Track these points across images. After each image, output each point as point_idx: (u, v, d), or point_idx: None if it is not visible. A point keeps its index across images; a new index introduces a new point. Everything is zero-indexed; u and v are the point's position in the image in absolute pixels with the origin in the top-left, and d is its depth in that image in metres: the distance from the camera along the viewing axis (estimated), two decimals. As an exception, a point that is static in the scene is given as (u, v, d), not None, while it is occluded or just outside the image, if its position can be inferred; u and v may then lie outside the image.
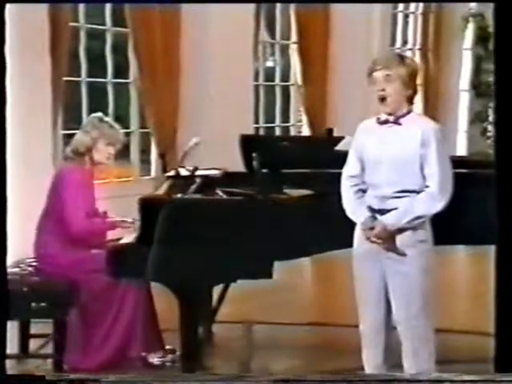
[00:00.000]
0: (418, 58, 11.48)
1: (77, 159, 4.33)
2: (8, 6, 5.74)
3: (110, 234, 4.38)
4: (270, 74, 9.75)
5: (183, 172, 4.55)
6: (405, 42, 11.60)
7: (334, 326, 5.08)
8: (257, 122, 9.20)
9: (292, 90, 9.79)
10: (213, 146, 7.23)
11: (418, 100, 11.55)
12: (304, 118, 9.55)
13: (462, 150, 11.90)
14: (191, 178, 4.46)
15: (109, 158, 4.38)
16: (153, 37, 7.65)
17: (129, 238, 4.06)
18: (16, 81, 6.27)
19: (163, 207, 3.79)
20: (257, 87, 9.20)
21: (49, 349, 4.35)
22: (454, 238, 4.00)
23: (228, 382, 3.01)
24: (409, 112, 3.46)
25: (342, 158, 3.65)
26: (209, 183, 4.46)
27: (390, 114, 3.44)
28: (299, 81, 9.50)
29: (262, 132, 9.39)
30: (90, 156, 4.33)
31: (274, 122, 9.66)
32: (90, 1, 7.22)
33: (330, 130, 4.96)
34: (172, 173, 4.47)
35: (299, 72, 9.47)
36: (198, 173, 4.56)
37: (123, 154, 8.20)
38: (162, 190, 4.28)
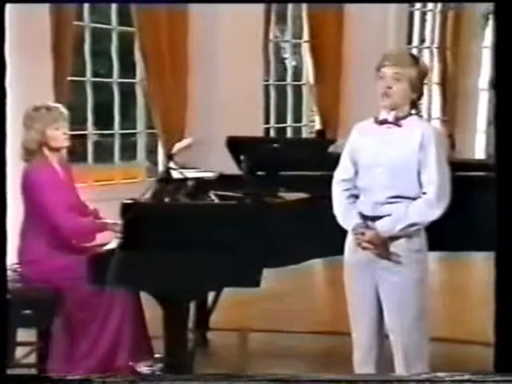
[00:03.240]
0: (435, 57, 11.26)
1: (37, 156, 4.10)
2: (8, 6, 5.69)
3: (98, 239, 4.21)
4: (281, 74, 9.58)
5: (175, 175, 4.41)
6: (422, 41, 11.36)
7: (333, 334, 4.91)
8: (267, 122, 9.03)
9: (304, 89, 9.60)
10: (221, 147, 7.09)
11: (436, 99, 11.34)
12: (317, 118, 9.35)
13: (480, 151, 11.64)
14: (183, 180, 4.32)
15: (65, 139, 4.15)
16: (160, 36, 7.52)
17: (114, 243, 3.91)
18: (18, 81, 6.20)
19: (144, 212, 3.67)
20: (267, 87, 9.02)
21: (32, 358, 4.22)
22: (453, 243, 3.83)
23: (228, 381, 2.88)
24: (410, 115, 3.28)
25: (335, 160, 3.48)
26: (201, 186, 4.31)
27: (392, 110, 3.25)
28: (311, 80, 9.31)
29: (272, 132, 9.22)
30: (47, 147, 4.12)
31: (285, 123, 9.47)
32: (92, 0, 7.08)
33: (322, 132, 4.79)
34: (161, 175, 4.31)
35: (311, 71, 9.28)
36: (190, 175, 4.42)
37: (130, 154, 8.11)
38: (149, 194, 4.12)
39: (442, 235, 3.56)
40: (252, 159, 3.85)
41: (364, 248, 3.25)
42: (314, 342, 4.96)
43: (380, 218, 3.23)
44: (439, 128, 3.14)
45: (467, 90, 11.52)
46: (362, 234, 3.24)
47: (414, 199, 3.21)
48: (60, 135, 4.12)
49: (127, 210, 3.69)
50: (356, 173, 3.33)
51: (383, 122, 3.29)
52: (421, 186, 3.22)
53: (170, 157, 4.43)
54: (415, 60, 3.28)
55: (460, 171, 3.95)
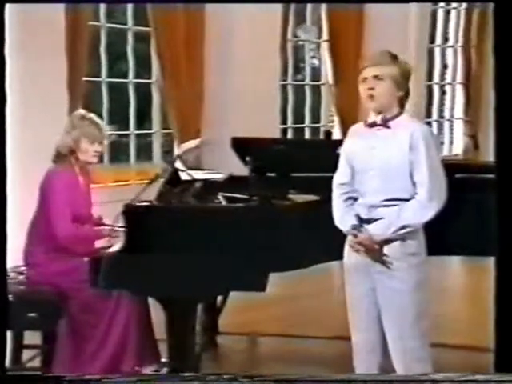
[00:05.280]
0: (459, 55, 11.11)
1: (64, 161, 4.12)
2: (23, 7, 5.68)
3: (101, 242, 4.18)
4: (299, 74, 9.50)
5: (183, 176, 4.36)
6: (445, 39, 11.21)
7: (343, 339, 4.82)
8: (284, 122, 8.95)
9: (323, 89, 9.51)
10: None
11: (459, 99, 11.18)
12: (336, 119, 9.26)
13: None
14: (191, 182, 4.27)
15: (95, 156, 4.15)
16: (176, 36, 7.45)
17: (117, 246, 3.86)
18: (29, 82, 6.20)
19: (149, 214, 3.62)
20: (285, 87, 8.94)
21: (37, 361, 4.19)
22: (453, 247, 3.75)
23: (230, 382, 2.83)
24: (399, 115, 3.23)
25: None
26: (210, 187, 4.26)
27: (378, 113, 3.21)
28: (330, 80, 9.22)
29: (290, 133, 9.14)
30: (75, 157, 4.12)
31: (303, 123, 9.38)
32: (97, 1, 7.03)
33: (329, 133, 4.72)
34: (167, 176, 4.24)
35: (330, 71, 9.19)
36: (199, 176, 4.37)
37: (145, 155, 8.07)
38: (154, 195, 4.07)
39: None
40: (257, 160, 3.79)
41: (356, 250, 3.21)
42: (324, 347, 4.89)
43: (375, 220, 3.19)
44: (430, 127, 3.10)
45: (492, 90, 11.32)
46: (355, 235, 3.20)
47: (408, 200, 3.16)
48: (91, 151, 4.12)
49: (130, 211, 3.65)
50: (353, 176, 3.30)
51: (372, 125, 3.25)
52: (414, 187, 3.17)
53: (179, 157, 4.37)
54: (395, 58, 3.24)
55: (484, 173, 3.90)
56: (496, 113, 2.69)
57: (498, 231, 2.63)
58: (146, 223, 3.59)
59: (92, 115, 4.25)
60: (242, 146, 4.16)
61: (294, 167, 4.05)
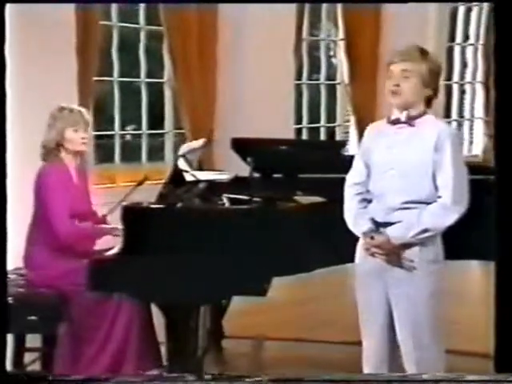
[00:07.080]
0: (480, 54, 10.95)
1: (53, 157, 4.08)
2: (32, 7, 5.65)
3: (102, 243, 4.12)
4: (315, 72, 9.39)
5: (188, 177, 4.30)
6: (466, 37, 11.04)
7: (350, 344, 4.74)
8: (299, 122, 8.85)
9: (339, 88, 9.41)
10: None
11: (479, 99, 11.02)
12: (352, 118, 9.15)
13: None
14: (194, 182, 4.20)
15: (84, 142, 4.10)
16: (188, 36, 7.40)
17: (116, 248, 3.80)
18: (43, 81, 6.18)
19: (147, 216, 3.56)
20: (300, 86, 8.85)
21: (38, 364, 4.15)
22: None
23: (229, 382, 2.79)
24: (424, 113, 3.10)
25: (346, 162, 3.33)
26: (214, 188, 4.19)
27: (403, 110, 3.08)
28: (346, 79, 9.11)
29: (305, 133, 9.04)
30: (64, 149, 4.08)
31: (318, 122, 9.28)
32: (106, 1, 6.99)
33: (332, 134, 4.63)
34: (169, 177, 4.18)
35: (347, 70, 9.08)
36: (203, 177, 4.30)
37: (158, 155, 8.02)
38: (154, 197, 4.00)
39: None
40: (258, 161, 3.71)
41: (373, 254, 3.09)
42: (331, 351, 4.80)
43: (392, 224, 3.05)
44: (455, 128, 2.99)
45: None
46: (372, 238, 3.07)
47: (429, 204, 3.03)
48: (77, 138, 4.08)
49: (128, 213, 3.60)
50: (369, 176, 3.17)
51: (396, 122, 3.12)
52: (436, 190, 3.03)
53: (182, 157, 4.30)
54: (425, 54, 3.10)
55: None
56: (496, 112, 2.59)
57: (498, 234, 2.54)
58: (143, 225, 3.53)
59: (71, 105, 4.21)
60: (242, 147, 4.08)
61: (296, 168, 3.96)
